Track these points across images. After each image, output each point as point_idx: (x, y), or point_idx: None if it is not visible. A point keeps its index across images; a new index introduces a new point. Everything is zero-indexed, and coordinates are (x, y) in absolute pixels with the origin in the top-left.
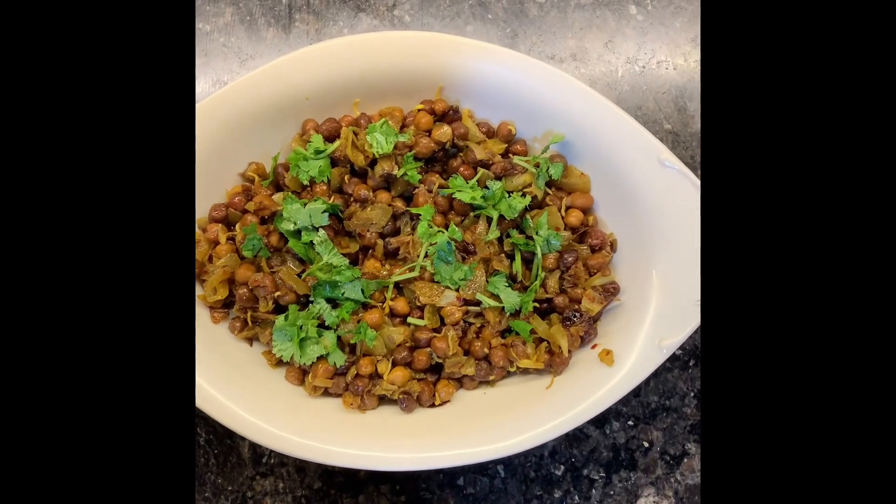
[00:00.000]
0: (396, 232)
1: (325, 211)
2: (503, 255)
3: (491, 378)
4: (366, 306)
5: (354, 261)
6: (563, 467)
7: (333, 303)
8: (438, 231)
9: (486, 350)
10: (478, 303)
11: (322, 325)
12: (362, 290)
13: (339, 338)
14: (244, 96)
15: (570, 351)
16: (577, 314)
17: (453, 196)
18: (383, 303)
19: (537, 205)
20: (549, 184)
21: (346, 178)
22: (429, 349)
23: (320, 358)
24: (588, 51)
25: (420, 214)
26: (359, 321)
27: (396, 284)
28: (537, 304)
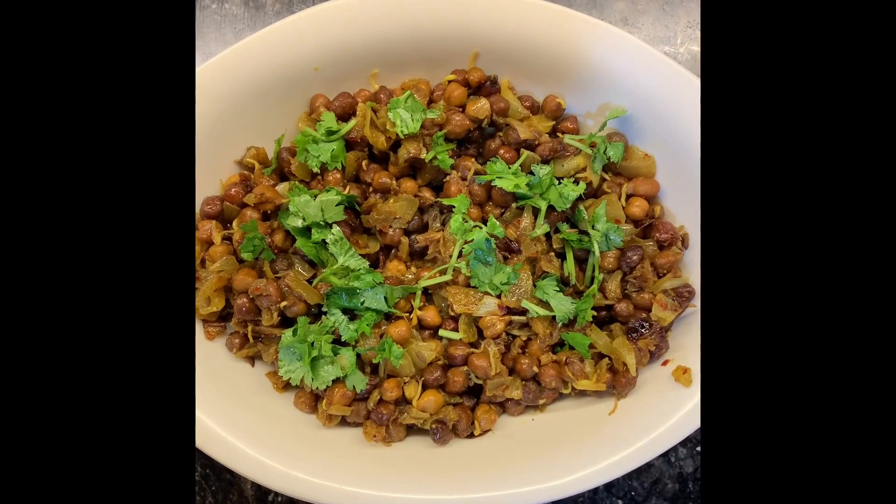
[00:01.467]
0: (424, 228)
1: (339, 203)
2: (553, 253)
3: (541, 402)
4: (389, 317)
5: (375, 263)
6: (620, 502)
7: (351, 314)
8: (475, 226)
9: (534, 368)
10: (524, 311)
11: (338, 341)
12: (385, 299)
13: (358, 356)
14: (240, 67)
15: (637, 369)
16: (644, 324)
17: (492, 184)
18: (410, 313)
19: (592, 193)
20: (607, 168)
21: (364, 163)
22: (465, 368)
23: (336, 381)
24: (642, 14)
25: (453, 206)
26: (382, 336)
27: (426, 291)
28: (595, 313)
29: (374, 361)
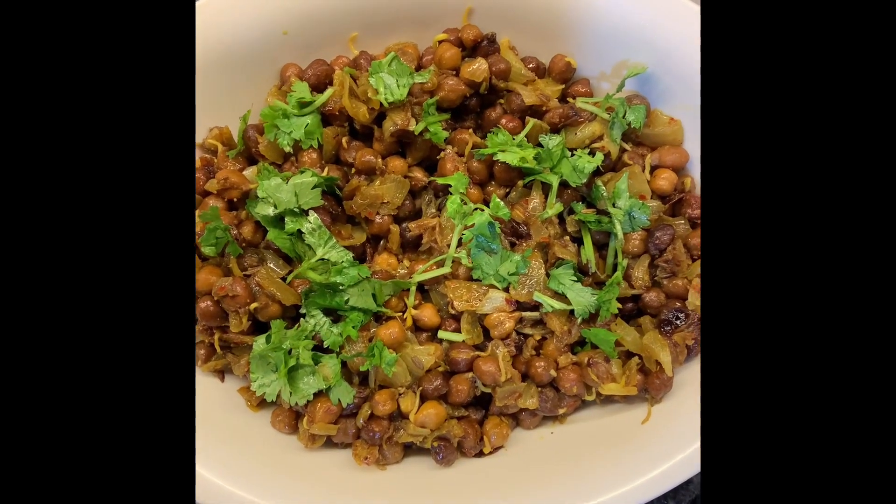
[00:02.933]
0: (417, 213)
1: (316, 187)
2: (567, 237)
3: (560, 412)
4: (379, 318)
5: (361, 256)
6: None
7: (334, 315)
8: (476, 209)
9: (551, 372)
10: (536, 306)
11: (319, 348)
12: (374, 296)
13: (343, 364)
14: (197, 34)
15: (673, 368)
16: (679, 315)
17: (494, 158)
18: (404, 312)
19: (612, 166)
20: (627, 136)
21: (345, 140)
22: (471, 375)
23: (318, 394)
24: None
25: (449, 187)
26: (371, 340)
27: (421, 286)
28: (621, 305)
29: (363, 370)
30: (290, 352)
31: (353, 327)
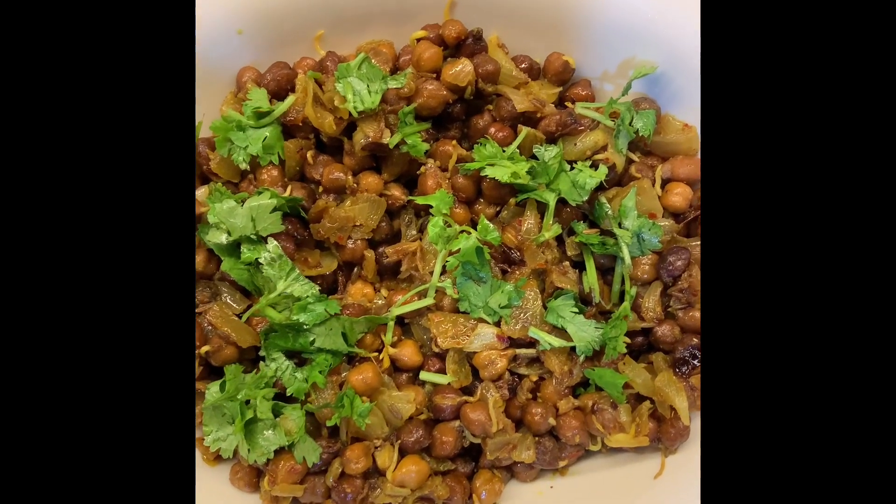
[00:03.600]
0: (396, 236)
1: (276, 210)
2: (567, 263)
3: (561, 464)
4: (352, 360)
5: (332, 287)
6: None
7: (298, 358)
8: (461, 231)
9: (550, 420)
10: (532, 343)
11: (281, 396)
12: (344, 336)
13: (309, 415)
14: None
15: (691, 415)
16: (697, 353)
17: (482, 174)
18: (380, 352)
19: (617, 180)
20: (635, 145)
21: (310, 155)
22: (457, 423)
23: (281, 451)
24: None
25: (431, 207)
26: (341, 386)
27: (401, 320)
28: (629, 340)
29: (331, 423)
30: (247, 402)
31: (321, 372)
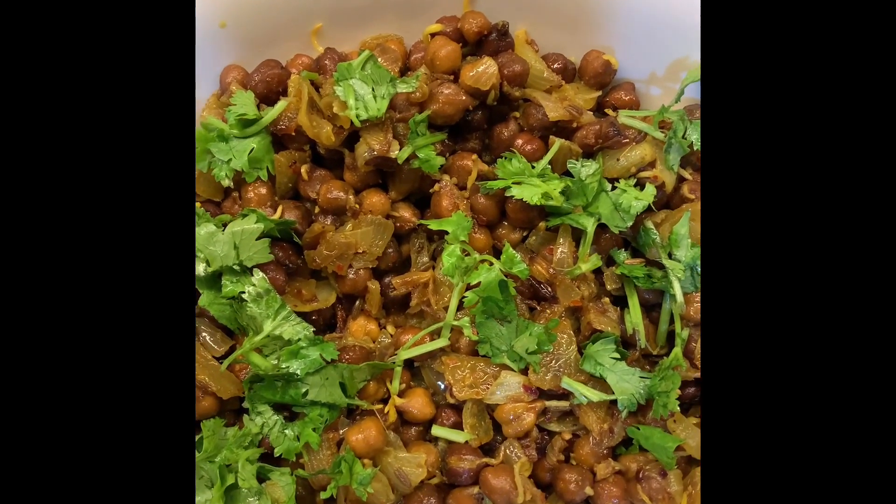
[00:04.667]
0: (405, 265)
1: (264, 236)
2: (607, 299)
3: None
4: (351, 413)
5: (328, 323)
6: None
7: (288, 412)
8: (482, 261)
9: (586, 488)
10: (565, 394)
11: (269, 458)
12: (343, 386)
13: (301, 482)
14: None
15: None
16: None
17: (507, 194)
18: (385, 402)
19: (666, 201)
20: (688, 161)
21: (304, 170)
22: (476, 490)
23: None
24: None
25: (446, 232)
26: (339, 446)
27: (409, 364)
28: (681, 392)
29: (327, 494)
30: (228, 465)
31: (314, 430)
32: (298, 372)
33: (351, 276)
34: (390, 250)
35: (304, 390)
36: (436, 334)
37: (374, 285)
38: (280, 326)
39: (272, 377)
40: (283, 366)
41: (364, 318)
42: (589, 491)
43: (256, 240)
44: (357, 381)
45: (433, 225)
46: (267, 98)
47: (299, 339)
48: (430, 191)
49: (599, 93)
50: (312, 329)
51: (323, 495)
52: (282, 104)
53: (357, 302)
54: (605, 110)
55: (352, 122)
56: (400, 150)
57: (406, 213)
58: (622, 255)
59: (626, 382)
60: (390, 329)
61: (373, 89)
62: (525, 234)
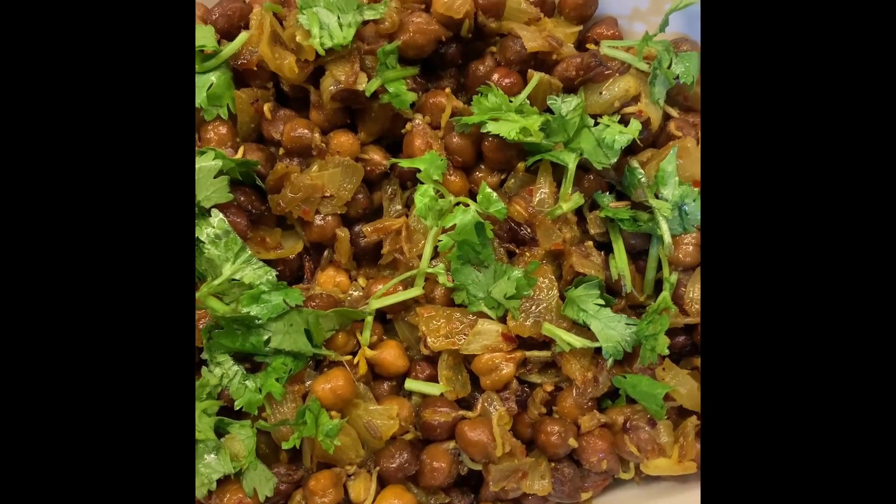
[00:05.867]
0: (377, 212)
1: (222, 174)
2: (590, 243)
3: (583, 497)
4: (319, 364)
5: (295, 275)
6: None
7: (250, 362)
8: (457, 203)
9: (570, 441)
10: (546, 343)
11: (228, 411)
12: (308, 333)
13: (263, 435)
14: None
15: None
16: None
17: (483, 130)
18: (355, 354)
19: (652, 139)
20: (674, 96)
21: (268, 108)
22: (452, 445)
23: (226, 481)
24: None
25: (418, 172)
26: (304, 397)
27: (381, 315)
28: (669, 340)
29: (289, 444)
30: None
31: (277, 380)
32: (260, 317)
33: (318, 222)
34: (360, 196)
35: (266, 337)
36: (409, 283)
37: (343, 233)
38: (241, 270)
39: (231, 321)
40: (244, 310)
41: (333, 268)
42: (573, 443)
43: (214, 178)
44: (324, 330)
45: (405, 163)
46: (228, 34)
47: (261, 283)
48: (402, 131)
49: (580, 27)
50: (276, 273)
51: (285, 445)
52: (243, 36)
53: (325, 252)
54: (587, 45)
55: (317, 55)
56: (368, 82)
57: (376, 155)
58: (606, 198)
59: (612, 329)
60: (361, 281)
61: (338, 17)
62: (503, 177)
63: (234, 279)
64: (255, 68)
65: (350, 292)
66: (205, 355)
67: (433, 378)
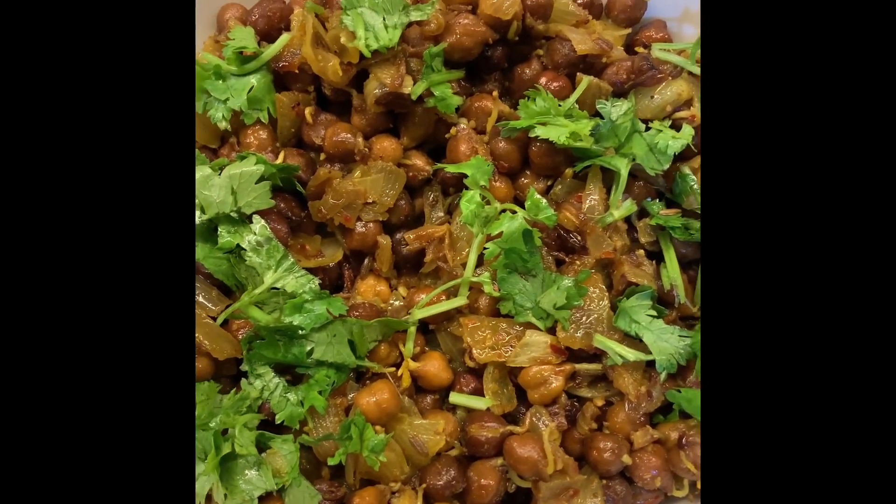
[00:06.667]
0: (419, 219)
1: (264, 180)
2: (642, 252)
3: None
4: (361, 377)
5: (336, 282)
6: None
7: (291, 374)
8: (503, 210)
9: (623, 458)
10: (597, 355)
11: (269, 425)
12: (352, 344)
13: (306, 450)
14: None
15: None
16: None
17: (531, 135)
18: (398, 366)
19: None
20: None
21: (309, 112)
22: (500, 461)
23: (268, 497)
24: None
25: (464, 177)
26: (347, 411)
27: (425, 325)
28: None
29: (335, 460)
30: (224, 432)
31: (320, 392)
32: (303, 327)
33: (360, 229)
34: (402, 202)
35: (308, 348)
36: (452, 293)
37: (384, 240)
38: (283, 278)
39: (273, 331)
40: (286, 320)
41: (373, 277)
42: (626, 460)
43: (256, 183)
44: (368, 340)
45: (451, 168)
46: (268, 35)
47: (304, 292)
48: (446, 136)
49: (629, 30)
50: (319, 281)
51: (330, 461)
52: (284, 38)
53: (366, 260)
54: (635, 49)
55: (361, 58)
56: (413, 86)
57: (419, 160)
58: (656, 206)
59: (665, 342)
60: (402, 290)
61: (384, 18)
62: (550, 183)
63: (275, 287)
64: (297, 71)
65: (391, 301)
66: (244, 367)
67: (478, 391)
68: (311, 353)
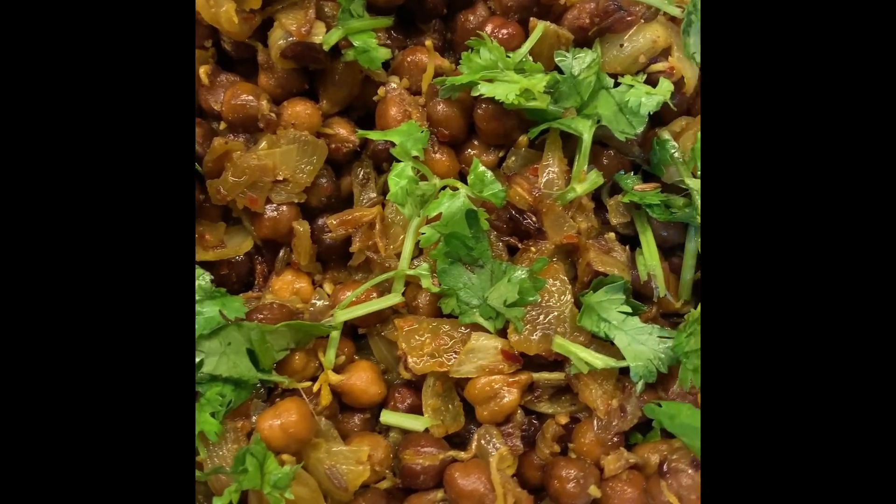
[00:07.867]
0: (345, 201)
1: None
2: (611, 235)
3: None
4: (271, 393)
5: (246, 277)
6: None
7: None
8: (443, 188)
9: (590, 488)
10: (559, 362)
11: None
12: (253, 354)
13: (199, 485)
14: None
15: None
16: None
17: (475, 94)
18: (314, 380)
19: (686, 105)
20: None
21: (205, 71)
22: (440, 495)
23: None
24: None
25: (394, 145)
26: (249, 436)
27: (353, 333)
28: None
29: (224, 500)
30: None
31: (213, 415)
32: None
33: (270, 213)
34: (323, 180)
35: (198, 360)
36: (385, 289)
37: (301, 227)
38: None
39: None
40: None
41: (291, 272)
42: (594, 492)
43: None
44: (274, 350)
45: (374, 135)
46: None
47: (199, 289)
48: (374, 98)
49: None
50: (211, 278)
51: (217, 501)
52: None
53: (281, 252)
54: None
55: (264, 4)
56: (327, 34)
57: (343, 129)
58: (631, 180)
59: (641, 344)
60: (327, 288)
61: None
62: (502, 154)
63: None
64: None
65: (314, 301)
66: None
67: (416, 409)
68: (200, 364)
